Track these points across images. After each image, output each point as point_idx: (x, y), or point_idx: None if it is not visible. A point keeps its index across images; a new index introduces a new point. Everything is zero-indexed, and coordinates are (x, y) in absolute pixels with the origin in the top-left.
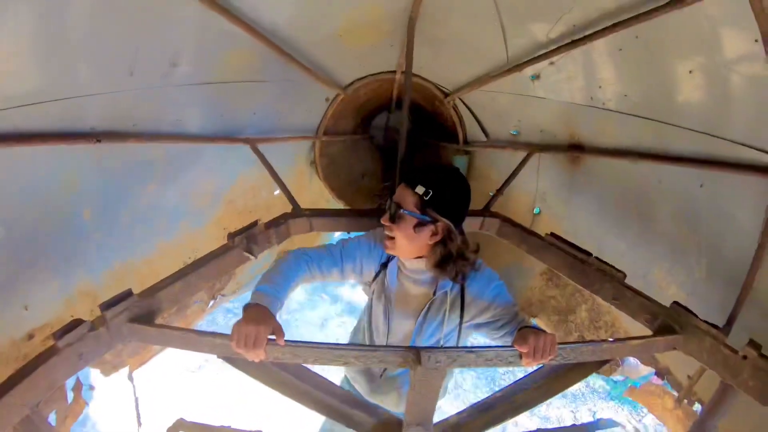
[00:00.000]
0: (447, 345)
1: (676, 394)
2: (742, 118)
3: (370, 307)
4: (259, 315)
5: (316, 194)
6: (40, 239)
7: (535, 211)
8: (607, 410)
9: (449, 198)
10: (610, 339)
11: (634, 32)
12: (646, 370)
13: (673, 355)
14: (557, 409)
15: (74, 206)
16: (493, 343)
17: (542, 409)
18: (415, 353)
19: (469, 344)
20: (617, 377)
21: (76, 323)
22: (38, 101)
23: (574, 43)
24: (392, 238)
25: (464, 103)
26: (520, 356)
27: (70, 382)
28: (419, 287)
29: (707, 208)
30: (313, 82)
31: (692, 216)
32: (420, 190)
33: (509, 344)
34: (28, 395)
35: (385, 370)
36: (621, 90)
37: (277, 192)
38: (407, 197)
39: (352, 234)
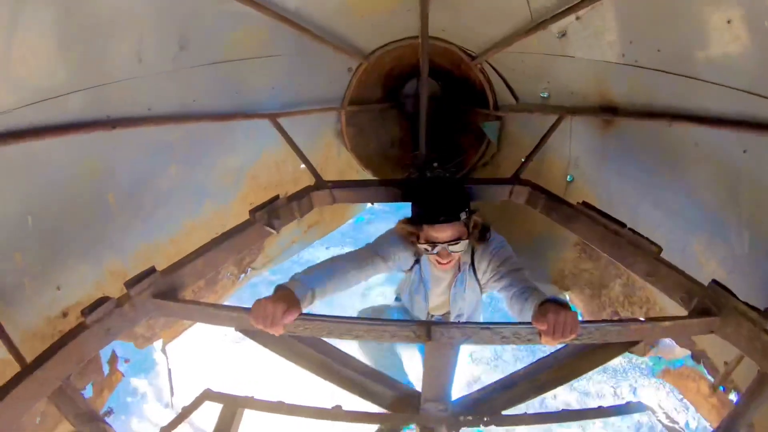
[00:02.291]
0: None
1: (712, 379)
2: None
3: (410, 287)
4: (281, 294)
5: (345, 164)
6: (67, 224)
7: (568, 178)
8: (648, 388)
9: (467, 199)
10: (641, 319)
11: None
12: (682, 353)
13: (711, 337)
14: (597, 384)
15: (98, 191)
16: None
17: (582, 383)
18: (425, 328)
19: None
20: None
21: (103, 300)
22: (56, 95)
23: None
24: (451, 261)
25: (492, 66)
26: (540, 334)
27: (105, 356)
28: (448, 273)
29: (751, 176)
30: (332, 53)
31: (733, 184)
32: (463, 216)
33: (522, 310)
34: (60, 369)
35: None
36: (654, 45)
37: (303, 166)
38: (458, 228)
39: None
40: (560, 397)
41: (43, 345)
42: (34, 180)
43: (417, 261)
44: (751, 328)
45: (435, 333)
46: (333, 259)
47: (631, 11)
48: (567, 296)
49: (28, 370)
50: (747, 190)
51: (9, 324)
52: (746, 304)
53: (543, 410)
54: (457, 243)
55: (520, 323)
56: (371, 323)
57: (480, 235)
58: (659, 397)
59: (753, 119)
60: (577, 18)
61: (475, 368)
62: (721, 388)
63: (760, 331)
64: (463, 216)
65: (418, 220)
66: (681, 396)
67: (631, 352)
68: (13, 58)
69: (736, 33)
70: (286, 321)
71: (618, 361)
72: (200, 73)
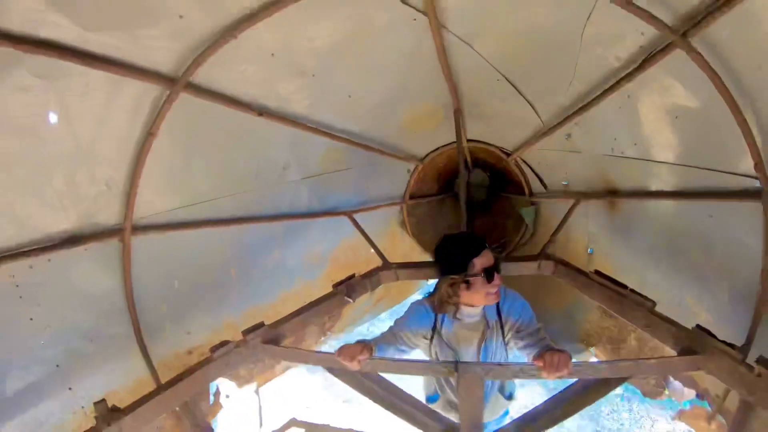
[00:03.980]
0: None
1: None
2: (722, 152)
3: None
4: (358, 342)
5: (408, 248)
6: (201, 288)
7: (589, 251)
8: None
9: None
10: (629, 359)
11: (626, 93)
12: (691, 394)
13: (711, 377)
14: None
15: (224, 266)
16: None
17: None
18: (455, 366)
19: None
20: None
21: (226, 342)
22: (203, 201)
23: (582, 108)
24: (497, 290)
25: (524, 161)
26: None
27: (212, 389)
28: (474, 326)
29: (718, 236)
30: (393, 161)
31: (708, 245)
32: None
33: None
34: (190, 387)
35: None
36: (631, 140)
37: (373, 250)
38: (492, 255)
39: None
40: None
41: (171, 373)
42: (182, 255)
43: (434, 328)
44: (730, 363)
45: (462, 368)
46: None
47: (609, 117)
48: (592, 352)
49: (166, 385)
50: (719, 247)
51: (151, 355)
52: (725, 342)
53: None
54: (498, 266)
55: (525, 363)
56: (416, 362)
57: None
58: None
59: (707, 189)
60: (576, 124)
61: None
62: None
63: (738, 364)
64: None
65: (462, 259)
66: None
67: (646, 396)
68: (185, 179)
69: (681, 127)
70: (362, 358)
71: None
72: (297, 185)
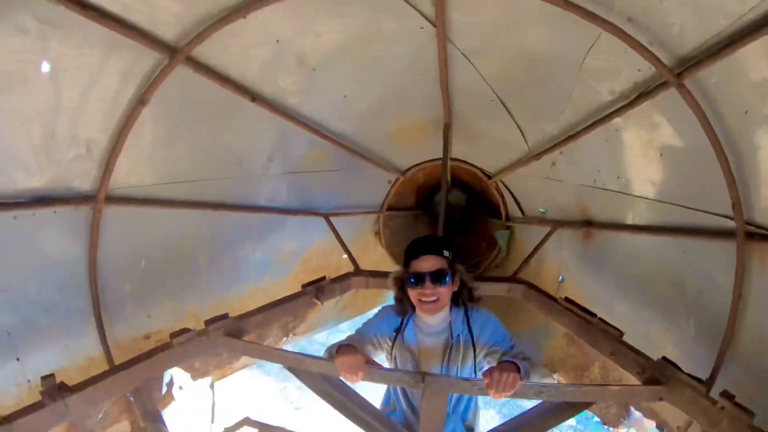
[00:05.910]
0: None
1: None
2: (702, 191)
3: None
4: (358, 352)
5: (379, 259)
6: (168, 271)
7: (561, 278)
8: None
9: (455, 251)
10: (593, 384)
11: (614, 126)
12: (651, 425)
13: (672, 409)
14: None
15: (194, 252)
16: None
17: None
18: (422, 377)
19: None
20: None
21: (187, 330)
22: (183, 180)
23: (570, 138)
24: (436, 300)
25: (504, 185)
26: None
27: (166, 379)
28: (438, 338)
29: (690, 272)
30: (376, 169)
31: (679, 280)
32: (446, 253)
33: None
34: (145, 372)
35: None
36: (614, 173)
37: (345, 256)
38: (441, 262)
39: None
40: None
41: (125, 357)
42: (152, 235)
43: (397, 331)
44: (693, 395)
45: (428, 380)
46: (357, 337)
47: (595, 149)
48: (556, 378)
49: (120, 366)
50: (689, 283)
51: (107, 334)
52: (689, 375)
53: None
54: (439, 276)
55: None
56: (384, 371)
57: (469, 294)
58: None
59: (683, 225)
60: (561, 152)
61: None
62: None
63: (700, 396)
64: (446, 253)
65: (406, 256)
66: None
67: (606, 424)
68: (167, 156)
69: (665, 164)
70: (363, 373)
71: None
72: (278, 179)
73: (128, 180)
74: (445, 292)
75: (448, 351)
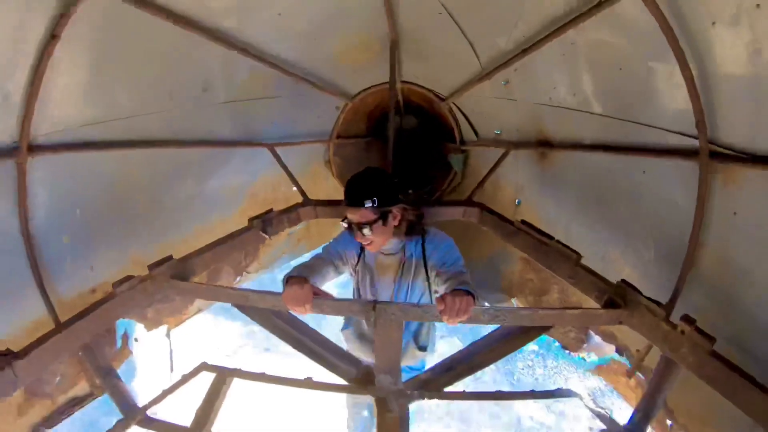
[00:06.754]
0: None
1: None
2: (664, 108)
3: (357, 283)
4: (305, 283)
5: (332, 189)
6: (105, 218)
7: (517, 202)
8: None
9: (384, 192)
10: (551, 307)
11: (570, 39)
12: (610, 349)
13: (633, 333)
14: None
15: (131, 195)
16: None
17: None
18: (373, 306)
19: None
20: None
21: (130, 277)
22: (111, 119)
23: (524, 52)
24: (370, 243)
25: (458, 107)
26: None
27: (119, 332)
28: (393, 257)
29: (650, 193)
30: (322, 94)
31: (638, 201)
32: (368, 204)
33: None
34: (92, 327)
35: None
36: (570, 89)
37: (294, 188)
38: (364, 214)
39: None
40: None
41: (72, 313)
42: (85, 181)
43: (362, 249)
44: (653, 319)
45: (379, 309)
46: (315, 262)
47: (551, 64)
48: (514, 303)
49: (64, 324)
50: (649, 205)
51: (50, 292)
52: (649, 298)
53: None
54: (365, 227)
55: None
56: (334, 301)
57: (407, 229)
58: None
59: (642, 144)
60: (515, 70)
61: None
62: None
63: (660, 320)
64: (368, 204)
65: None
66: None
67: (566, 349)
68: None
69: (624, 78)
70: (309, 305)
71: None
72: (216, 109)
73: (52, 126)
74: (377, 235)
75: (401, 267)
